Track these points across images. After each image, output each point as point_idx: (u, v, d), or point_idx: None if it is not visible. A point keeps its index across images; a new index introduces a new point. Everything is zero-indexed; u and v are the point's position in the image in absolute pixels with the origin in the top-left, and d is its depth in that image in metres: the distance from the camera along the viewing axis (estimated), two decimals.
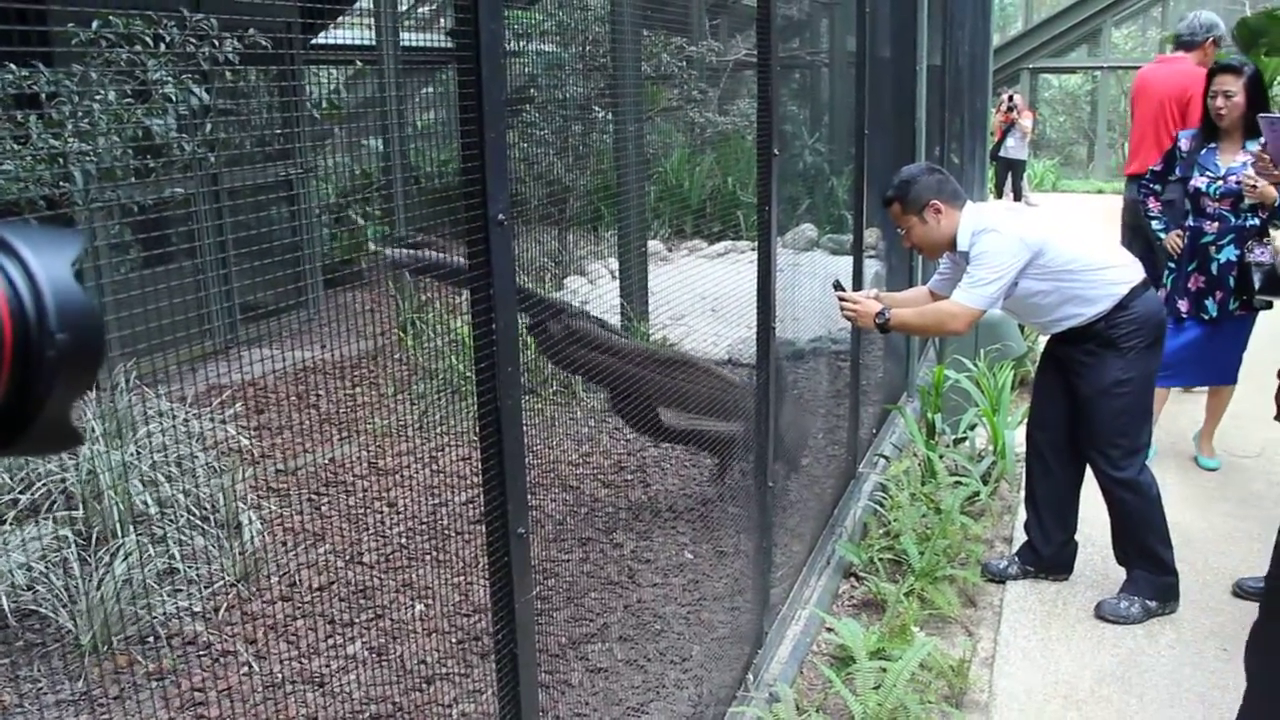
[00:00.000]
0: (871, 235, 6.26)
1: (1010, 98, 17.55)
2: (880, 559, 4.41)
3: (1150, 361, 4.04)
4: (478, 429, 1.91)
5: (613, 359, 4.36)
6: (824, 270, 5.64)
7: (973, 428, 5.56)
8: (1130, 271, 4.00)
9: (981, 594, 4.41)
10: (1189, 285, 5.32)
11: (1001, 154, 16.79)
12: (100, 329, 0.56)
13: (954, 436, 5.60)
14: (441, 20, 9.18)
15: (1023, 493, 4.87)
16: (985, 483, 5.10)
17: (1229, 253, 5.20)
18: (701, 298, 5.73)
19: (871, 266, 5.73)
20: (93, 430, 4.30)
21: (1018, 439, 5.59)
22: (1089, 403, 4.10)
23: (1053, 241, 3.96)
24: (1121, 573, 4.28)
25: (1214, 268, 5.24)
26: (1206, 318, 5.27)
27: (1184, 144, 5.40)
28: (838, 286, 4.23)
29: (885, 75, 6.12)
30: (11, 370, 0.53)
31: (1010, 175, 16.96)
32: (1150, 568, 4.19)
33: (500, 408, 1.88)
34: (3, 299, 0.53)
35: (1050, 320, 4.11)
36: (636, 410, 4.63)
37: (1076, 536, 4.47)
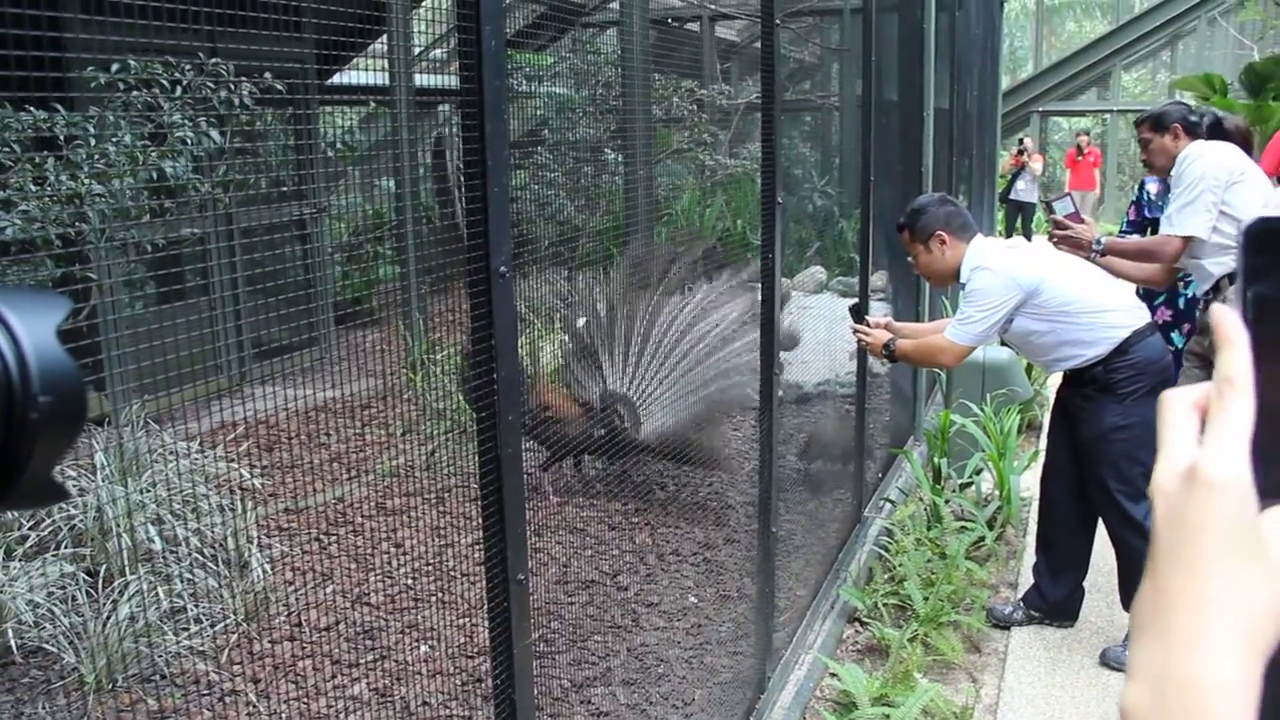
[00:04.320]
0: (879, 279, 6.30)
1: (1021, 141, 17.67)
2: (885, 604, 4.41)
3: (1152, 407, 4.01)
4: (479, 477, 1.94)
5: None
6: (832, 313, 5.68)
7: (979, 472, 5.56)
8: (1131, 316, 4.00)
9: (986, 640, 4.40)
10: (1156, 318, 5.38)
11: (1012, 196, 16.87)
12: (82, 391, 0.58)
13: (960, 481, 5.60)
14: (455, 64, 9.28)
15: (1031, 536, 4.88)
16: (991, 527, 5.10)
17: (1195, 288, 5.25)
18: None
19: (878, 310, 5.75)
20: (102, 467, 4.33)
21: (1024, 484, 5.59)
22: (1089, 448, 4.12)
23: (1050, 282, 3.99)
24: (1126, 620, 4.26)
25: (1181, 302, 5.38)
26: (1172, 349, 5.32)
27: (1152, 189, 5.55)
28: (855, 312, 4.38)
29: (892, 121, 6.17)
30: None
31: (1020, 218, 17.03)
32: None
33: (501, 456, 1.91)
34: None
35: (1049, 360, 4.16)
36: None
37: (1084, 583, 4.46)
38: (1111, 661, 4.17)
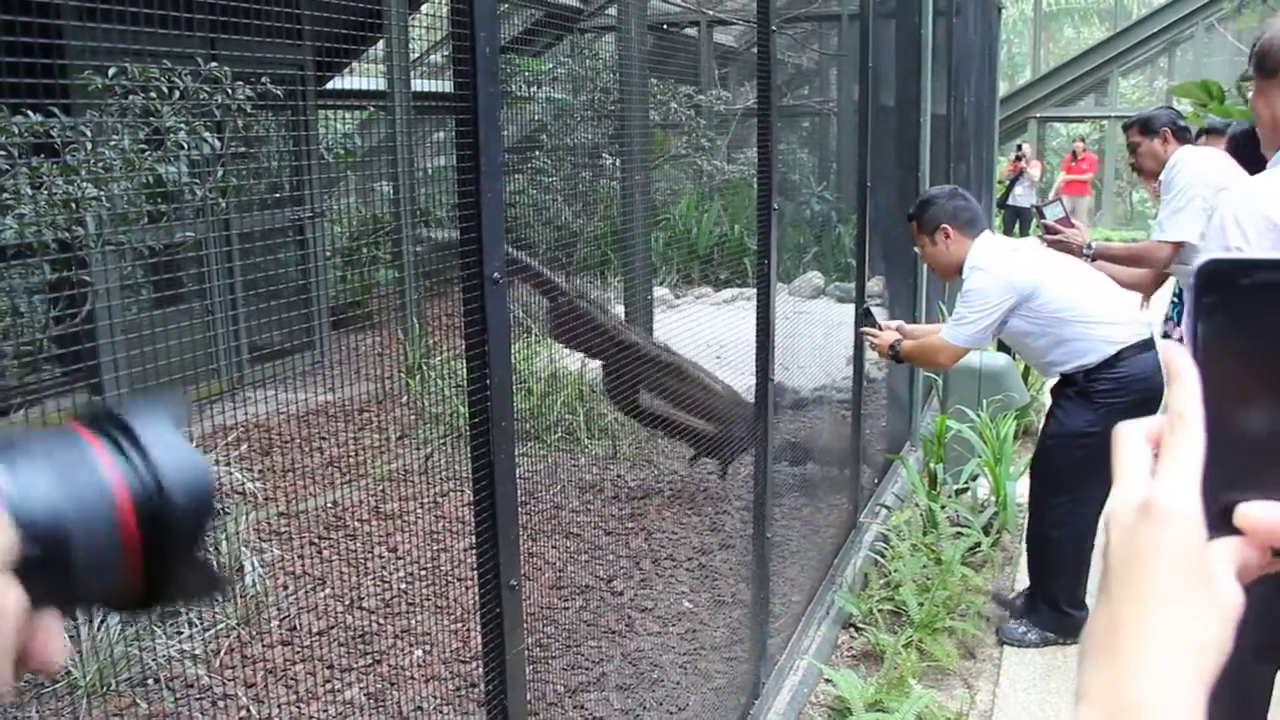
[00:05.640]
0: (875, 284, 6.30)
1: (1019, 147, 17.71)
2: (880, 610, 4.41)
3: None
4: (471, 483, 1.94)
5: (606, 342, 4.90)
6: (828, 318, 5.69)
7: (975, 478, 5.56)
8: (1126, 331, 3.98)
9: (980, 646, 4.40)
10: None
11: (1010, 202, 16.91)
12: (210, 484, 0.59)
13: (956, 487, 5.60)
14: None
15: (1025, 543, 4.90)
16: (987, 534, 5.10)
17: None
18: (707, 345, 5.78)
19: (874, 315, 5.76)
20: None
21: (1020, 490, 5.59)
22: (1049, 446, 4.18)
23: (1048, 286, 4.01)
24: None
25: None
26: None
27: None
28: (866, 315, 4.54)
29: (889, 127, 6.18)
30: (145, 561, 0.56)
31: (1019, 223, 17.05)
32: (1048, 611, 4.34)
33: (494, 462, 1.91)
34: (127, 496, 0.55)
35: (1043, 363, 4.20)
36: (622, 390, 5.18)
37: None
38: (1007, 638, 4.39)
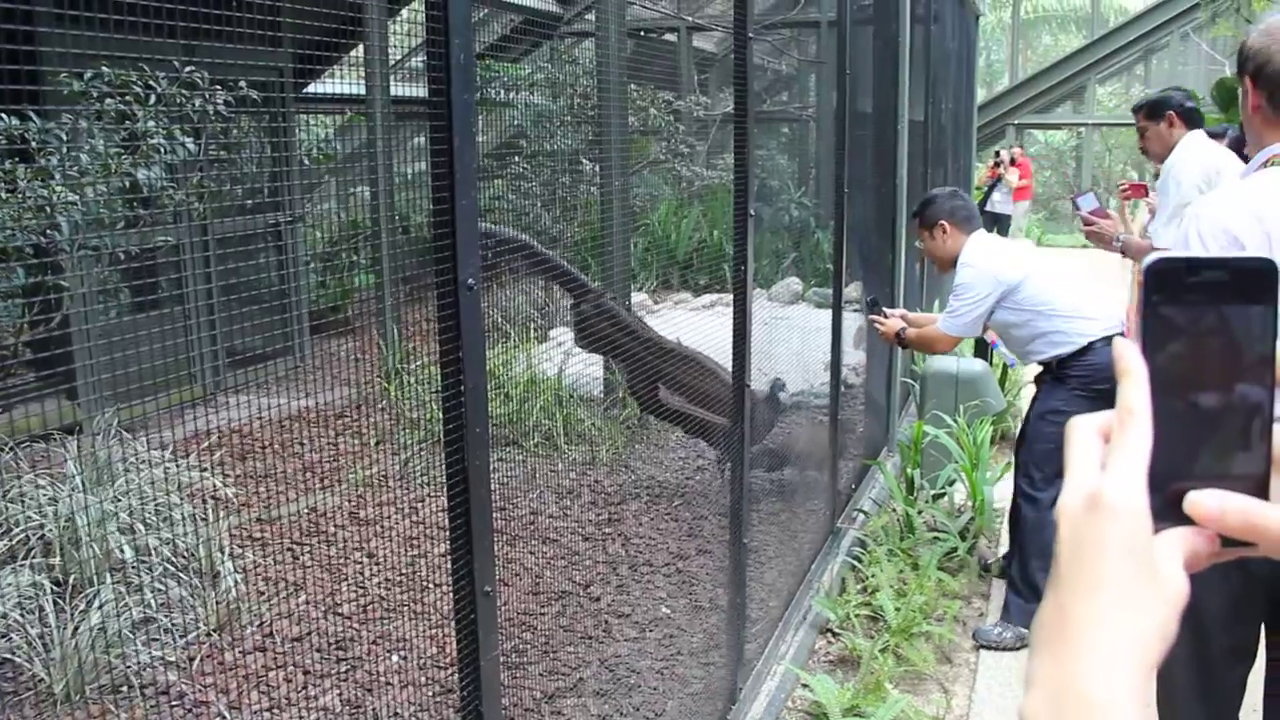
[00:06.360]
0: (853, 290, 6.32)
1: (997, 153, 17.81)
2: (857, 615, 4.42)
3: (1095, 406, 4.12)
4: (446, 489, 1.94)
5: (631, 341, 5.12)
6: (806, 324, 5.71)
7: (951, 483, 5.59)
8: (1097, 325, 4.25)
9: (957, 651, 4.41)
10: None
11: (988, 208, 16.97)
12: None
13: (933, 492, 5.62)
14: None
15: (1004, 548, 4.93)
16: (963, 538, 5.12)
17: None
18: None
19: (851, 321, 5.78)
20: (73, 476, 4.30)
21: (996, 495, 5.62)
22: (1029, 423, 4.49)
23: (1030, 281, 4.33)
24: None
25: None
26: None
27: None
28: (874, 305, 4.90)
29: (867, 134, 6.20)
30: None
31: (996, 229, 17.14)
32: (1024, 594, 4.40)
33: (468, 468, 1.91)
34: None
35: (1024, 351, 4.51)
36: (644, 386, 5.38)
37: None
38: (981, 639, 4.43)
